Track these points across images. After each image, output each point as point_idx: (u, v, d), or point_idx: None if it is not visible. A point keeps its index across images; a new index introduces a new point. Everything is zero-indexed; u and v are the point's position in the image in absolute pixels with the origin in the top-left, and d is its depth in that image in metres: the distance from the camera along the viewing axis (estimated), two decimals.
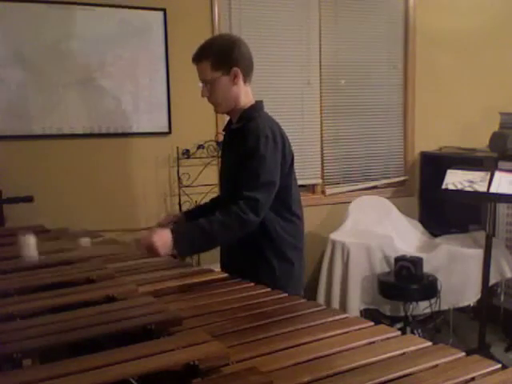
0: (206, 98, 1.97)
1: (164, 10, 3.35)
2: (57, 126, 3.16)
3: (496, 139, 3.63)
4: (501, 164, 3.48)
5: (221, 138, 3.44)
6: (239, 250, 1.97)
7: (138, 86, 3.35)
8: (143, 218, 3.31)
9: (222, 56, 1.92)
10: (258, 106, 2.01)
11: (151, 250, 1.78)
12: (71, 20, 3.15)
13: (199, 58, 1.93)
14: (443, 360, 1.14)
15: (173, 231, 1.80)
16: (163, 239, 1.77)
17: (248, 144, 1.86)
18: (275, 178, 1.88)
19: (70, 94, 3.18)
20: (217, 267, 2.05)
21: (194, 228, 1.83)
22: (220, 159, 2.26)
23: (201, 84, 1.97)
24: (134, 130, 3.36)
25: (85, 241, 2.06)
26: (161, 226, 2.16)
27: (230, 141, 2.06)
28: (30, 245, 1.84)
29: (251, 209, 1.80)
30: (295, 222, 2.01)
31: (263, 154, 1.84)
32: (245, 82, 1.98)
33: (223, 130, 2.15)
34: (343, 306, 3.44)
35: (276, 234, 1.95)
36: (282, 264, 1.98)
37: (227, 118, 2.11)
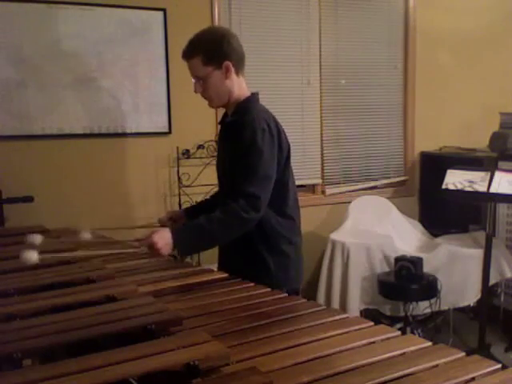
0: (200, 93, 1.96)
1: (164, 10, 3.35)
2: (57, 126, 3.16)
3: (496, 139, 3.63)
4: (501, 164, 3.48)
5: None
6: (233, 248, 1.94)
7: (138, 85, 3.35)
8: (143, 218, 3.31)
9: (211, 51, 1.89)
10: (252, 98, 1.99)
11: (153, 250, 1.76)
12: (71, 20, 3.14)
13: (189, 54, 1.91)
14: (443, 360, 1.14)
15: (173, 231, 1.79)
16: (164, 239, 1.75)
17: (244, 137, 1.84)
18: (273, 172, 1.86)
19: (69, 93, 3.17)
20: (216, 267, 2.05)
21: (193, 227, 1.81)
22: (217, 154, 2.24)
23: (194, 80, 1.95)
24: (134, 129, 3.35)
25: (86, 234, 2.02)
26: (161, 222, 2.18)
27: (225, 134, 2.04)
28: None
29: (252, 206, 1.78)
30: (291, 216, 1.98)
31: (261, 147, 1.82)
32: (238, 74, 1.95)
33: (219, 123, 2.13)
34: (343, 306, 3.44)
35: (271, 228, 1.92)
36: (277, 259, 1.94)
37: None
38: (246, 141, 1.83)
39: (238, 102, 1.96)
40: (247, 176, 1.81)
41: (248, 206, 1.78)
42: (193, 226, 1.84)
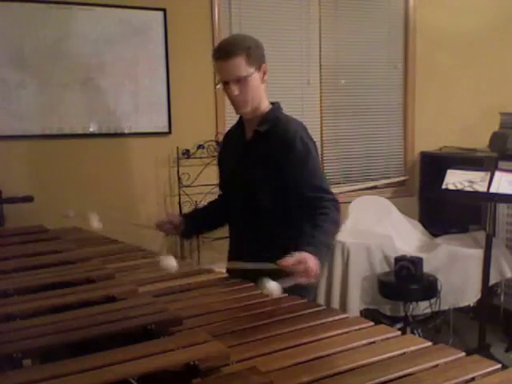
0: (233, 96, 1.87)
1: (164, 10, 3.34)
2: (57, 126, 3.16)
3: (496, 139, 3.63)
4: (501, 164, 3.48)
5: (221, 137, 3.44)
6: (269, 254, 1.68)
7: (138, 85, 3.35)
8: (143, 218, 3.31)
9: (254, 51, 1.86)
10: (279, 107, 2.00)
11: (308, 273, 1.58)
12: (71, 20, 3.14)
13: (232, 53, 1.81)
14: (443, 360, 1.15)
15: (310, 250, 1.63)
16: (314, 260, 1.61)
17: (297, 149, 1.84)
18: None
19: (69, 94, 3.17)
20: (217, 267, 2.04)
21: (318, 242, 1.71)
22: (224, 160, 2.16)
23: (220, 85, 1.89)
24: (134, 129, 3.35)
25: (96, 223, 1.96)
26: (159, 226, 2.08)
27: (255, 142, 1.96)
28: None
29: (337, 209, 1.83)
30: None
31: (314, 155, 1.88)
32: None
33: (234, 129, 2.08)
34: (343, 306, 3.43)
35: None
36: None
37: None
38: (301, 152, 1.85)
39: (264, 110, 1.94)
40: (317, 183, 1.84)
41: (335, 209, 1.82)
42: (317, 241, 1.71)
